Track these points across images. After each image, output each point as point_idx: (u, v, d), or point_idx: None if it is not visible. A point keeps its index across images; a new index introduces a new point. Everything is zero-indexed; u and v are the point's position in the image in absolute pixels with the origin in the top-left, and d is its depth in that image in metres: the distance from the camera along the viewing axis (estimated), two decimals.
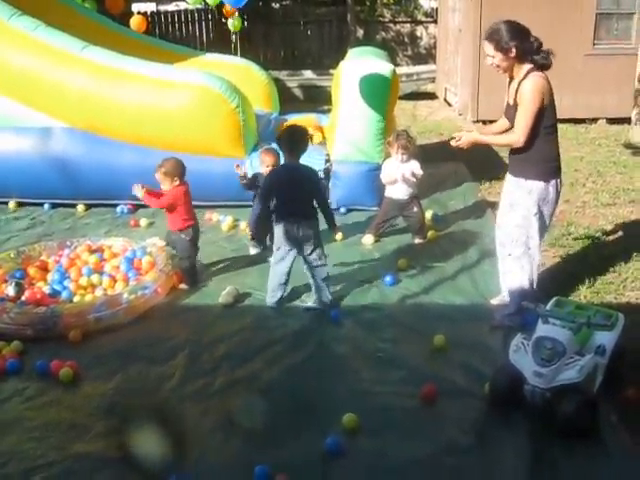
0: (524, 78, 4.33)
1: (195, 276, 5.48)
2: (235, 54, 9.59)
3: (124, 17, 11.68)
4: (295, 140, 4.88)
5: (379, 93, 6.73)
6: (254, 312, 5.01)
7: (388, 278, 5.40)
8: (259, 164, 5.81)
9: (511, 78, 4.50)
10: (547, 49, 4.38)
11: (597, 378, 3.75)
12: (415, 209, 6.28)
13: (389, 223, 6.38)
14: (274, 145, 5.51)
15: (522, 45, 4.30)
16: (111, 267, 5.42)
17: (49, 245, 5.78)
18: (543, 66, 4.37)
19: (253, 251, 6.03)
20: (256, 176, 5.73)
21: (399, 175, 6.10)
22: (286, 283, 5.05)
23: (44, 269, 5.46)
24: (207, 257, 5.96)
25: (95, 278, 5.25)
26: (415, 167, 6.11)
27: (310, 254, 4.92)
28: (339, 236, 6.12)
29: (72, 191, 7.21)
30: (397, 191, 6.19)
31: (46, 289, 5.13)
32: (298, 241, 4.87)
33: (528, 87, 4.30)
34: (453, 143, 4.70)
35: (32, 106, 7.13)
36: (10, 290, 5.01)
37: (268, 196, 4.92)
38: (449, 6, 13.78)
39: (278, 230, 4.91)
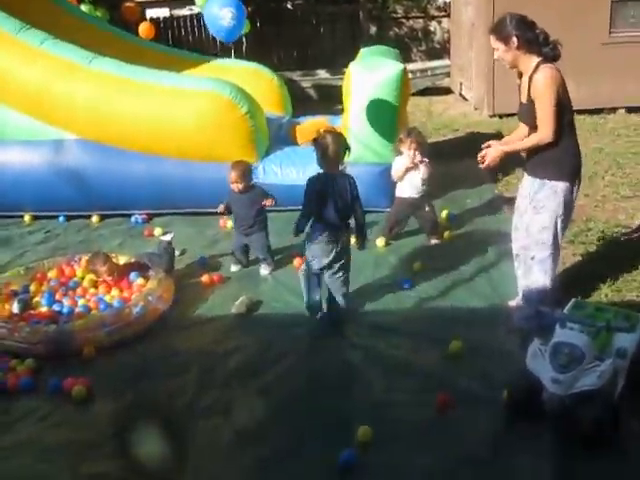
0: (534, 72, 4.21)
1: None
2: (245, 57, 9.49)
3: (137, 23, 11.70)
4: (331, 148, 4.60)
5: (389, 94, 6.62)
6: (268, 322, 4.95)
7: (405, 283, 5.32)
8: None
9: (520, 75, 4.40)
10: (554, 39, 4.27)
11: (618, 382, 3.63)
12: (427, 208, 6.18)
13: (402, 224, 6.28)
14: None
15: (524, 36, 4.20)
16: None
17: (58, 261, 5.75)
18: (552, 57, 4.26)
19: (234, 268, 5.86)
20: (229, 203, 5.77)
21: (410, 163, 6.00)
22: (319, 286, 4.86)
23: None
24: (221, 265, 5.94)
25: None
26: (423, 170, 6.02)
27: (334, 263, 4.72)
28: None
29: (86, 202, 7.19)
30: (408, 189, 6.10)
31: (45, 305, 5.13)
32: (331, 250, 4.68)
33: (541, 79, 4.17)
34: (481, 166, 4.52)
35: (42, 119, 7.11)
36: (15, 307, 5.00)
37: (310, 201, 4.65)
38: (461, 0, 13.61)
39: (316, 239, 4.69)
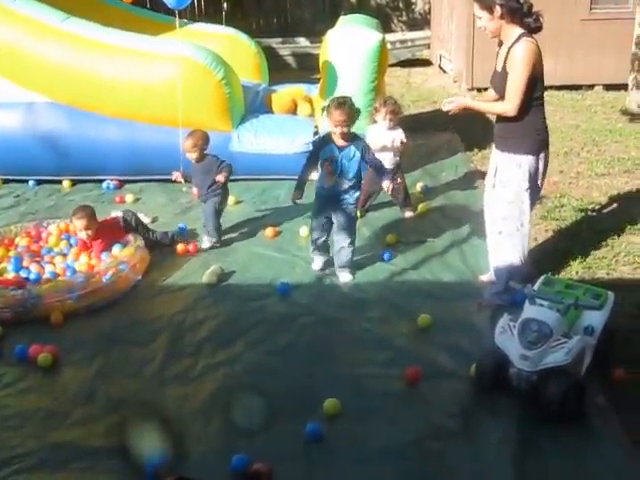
0: (515, 43, 4.16)
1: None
2: (223, 23, 9.32)
3: None
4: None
5: (367, 63, 6.56)
6: (238, 292, 4.91)
7: (386, 254, 5.30)
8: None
9: (501, 43, 4.35)
10: (537, 11, 4.22)
11: (585, 359, 3.67)
12: (399, 179, 6.11)
13: (374, 196, 6.22)
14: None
15: (508, 4, 4.13)
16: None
17: (25, 226, 5.67)
18: (535, 29, 4.21)
19: (208, 243, 5.66)
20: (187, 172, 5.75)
21: (388, 141, 5.91)
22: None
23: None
24: (193, 234, 5.87)
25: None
26: (401, 135, 5.94)
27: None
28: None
29: (57, 167, 7.05)
30: (382, 160, 6.02)
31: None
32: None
33: (520, 52, 4.13)
34: (444, 108, 4.51)
35: (14, 81, 6.95)
36: None
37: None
38: None
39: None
